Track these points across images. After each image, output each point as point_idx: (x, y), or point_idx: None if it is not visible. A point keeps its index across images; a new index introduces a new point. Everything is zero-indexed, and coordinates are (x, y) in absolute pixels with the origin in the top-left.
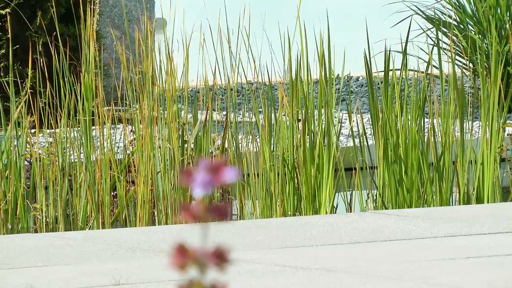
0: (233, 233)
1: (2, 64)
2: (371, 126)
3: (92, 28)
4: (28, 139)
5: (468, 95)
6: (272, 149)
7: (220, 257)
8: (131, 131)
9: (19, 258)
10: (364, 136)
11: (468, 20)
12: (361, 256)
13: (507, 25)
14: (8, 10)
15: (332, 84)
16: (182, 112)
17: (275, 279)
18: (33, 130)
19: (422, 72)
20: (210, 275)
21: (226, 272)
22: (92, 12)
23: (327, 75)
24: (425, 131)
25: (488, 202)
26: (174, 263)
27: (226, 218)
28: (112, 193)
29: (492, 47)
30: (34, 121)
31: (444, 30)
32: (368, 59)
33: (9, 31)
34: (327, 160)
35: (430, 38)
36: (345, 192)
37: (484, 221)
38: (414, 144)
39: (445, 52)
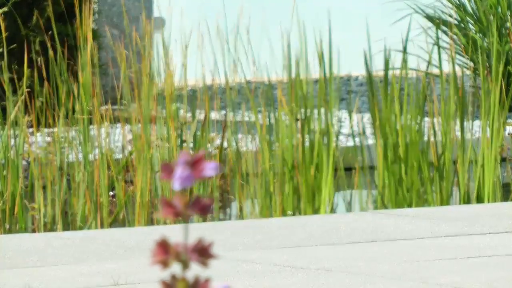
0: (232, 233)
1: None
2: (371, 126)
3: (88, 26)
4: (25, 138)
5: (469, 94)
6: (271, 149)
7: (202, 253)
8: (130, 130)
9: (17, 258)
10: (364, 136)
11: (469, 19)
12: (361, 256)
13: (508, 24)
14: (5, 9)
15: (332, 83)
16: (181, 111)
17: (274, 279)
18: (30, 130)
19: (422, 71)
20: (205, 272)
21: (224, 271)
22: (89, 11)
23: (327, 74)
24: (425, 130)
25: (488, 202)
26: (155, 259)
27: (208, 213)
28: (111, 193)
29: (493, 45)
30: (31, 120)
31: (444, 28)
32: (368, 58)
33: (6, 30)
34: (326, 160)
35: (431, 37)
36: (344, 192)
37: (484, 220)
38: (414, 144)
39: (445, 51)
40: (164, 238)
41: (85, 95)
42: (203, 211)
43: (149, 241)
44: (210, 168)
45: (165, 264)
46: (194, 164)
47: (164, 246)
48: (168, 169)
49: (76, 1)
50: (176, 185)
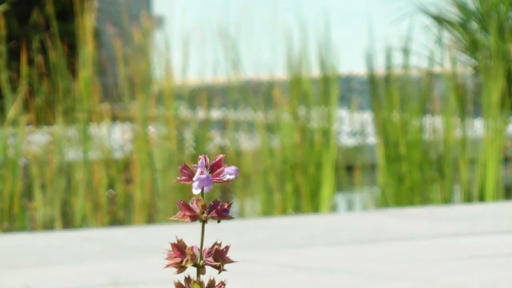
0: (232, 232)
1: None
2: (373, 124)
3: (88, 24)
4: (24, 137)
5: (471, 93)
6: (272, 147)
7: (218, 256)
8: (130, 129)
9: (16, 258)
10: (365, 134)
11: (471, 17)
12: (362, 256)
13: (511, 21)
14: (5, 6)
15: (333, 82)
16: (181, 110)
17: (275, 279)
18: (29, 128)
19: (424, 69)
20: (209, 273)
21: (225, 271)
22: (89, 9)
23: (328, 72)
24: (427, 129)
25: (491, 201)
26: (171, 260)
27: (226, 218)
28: (111, 192)
29: (494, 44)
30: (30, 119)
31: (447, 26)
32: (369, 57)
33: (6, 28)
34: (327, 158)
35: (434, 34)
36: (346, 191)
37: (486, 220)
38: (416, 142)
39: (448, 49)
40: (180, 239)
41: (84, 93)
42: (221, 215)
43: (149, 240)
44: (229, 172)
45: (180, 265)
46: (213, 167)
47: (179, 248)
48: (186, 172)
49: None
50: (195, 187)
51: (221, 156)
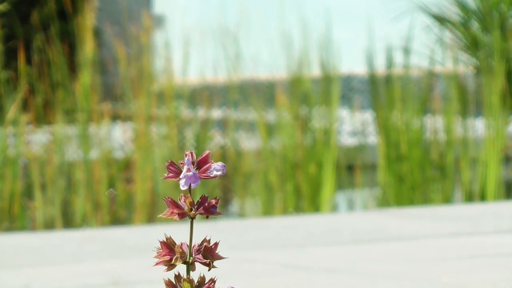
0: (232, 232)
1: None
2: (374, 124)
3: (89, 23)
4: (24, 136)
5: (472, 92)
6: (272, 147)
7: (207, 253)
8: (130, 128)
9: (15, 258)
10: (366, 134)
11: (472, 16)
12: (363, 256)
13: (511, 21)
14: (7, 6)
15: (334, 81)
16: (182, 109)
17: (275, 279)
18: (29, 128)
19: (425, 69)
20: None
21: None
22: (90, 8)
23: (329, 72)
24: (428, 128)
25: (491, 201)
26: (160, 258)
27: (213, 214)
28: (111, 191)
29: (495, 43)
30: (30, 118)
31: (448, 26)
32: (370, 56)
33: (6, 27)
34: (328, 158)
35: (435, 34)
36: (346, 190)
37: (487, 220)
38: (417, 142)
39: (449, 48)
40: (169, 237)
41: (85, 92)
42: (209, 211)
43: (149, 240)
44: (216, 169)
45: (169, 264)
46: (200, 163)
47: (168, 246)
48: (173, 168)
49: None
50: (182, 184)
51: (207, 152)
